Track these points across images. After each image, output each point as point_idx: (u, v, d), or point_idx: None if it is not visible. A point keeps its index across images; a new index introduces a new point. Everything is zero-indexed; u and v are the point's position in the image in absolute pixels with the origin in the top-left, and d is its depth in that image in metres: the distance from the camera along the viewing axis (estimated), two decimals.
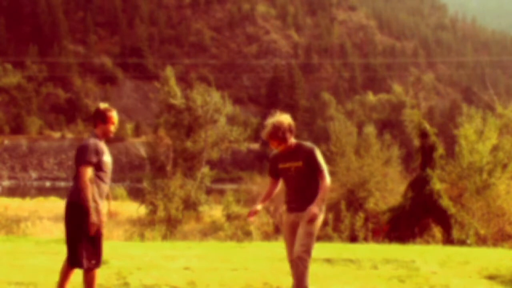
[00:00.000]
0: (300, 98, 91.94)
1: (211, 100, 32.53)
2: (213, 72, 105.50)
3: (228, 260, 7.25)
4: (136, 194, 37.27)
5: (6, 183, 65.49)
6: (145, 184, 28.91)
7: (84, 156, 4.75)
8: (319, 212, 4.76)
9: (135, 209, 25.18)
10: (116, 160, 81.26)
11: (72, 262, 4.81)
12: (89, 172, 4.74)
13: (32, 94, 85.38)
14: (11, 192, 50.39)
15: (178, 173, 27.84)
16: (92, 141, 4.85)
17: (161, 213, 20.52)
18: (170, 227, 18.94)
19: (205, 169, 31.32)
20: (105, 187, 4.93)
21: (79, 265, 4.78)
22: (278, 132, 4.83)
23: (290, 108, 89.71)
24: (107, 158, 4.92)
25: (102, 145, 4.91)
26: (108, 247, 8.55)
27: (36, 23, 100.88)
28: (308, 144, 4.98)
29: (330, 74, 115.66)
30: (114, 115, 5.00)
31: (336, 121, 38.25)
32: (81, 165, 4.73)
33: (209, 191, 31.89)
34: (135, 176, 69.02)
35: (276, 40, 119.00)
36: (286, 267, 6.34)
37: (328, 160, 27.22)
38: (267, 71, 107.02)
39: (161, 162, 33.71)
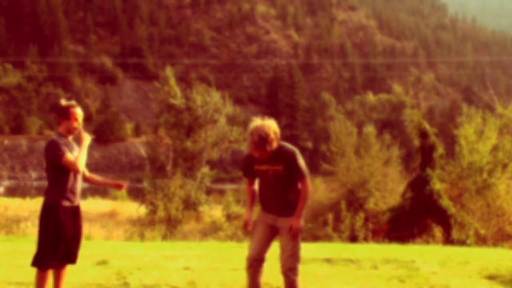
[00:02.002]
0: (300, 98, 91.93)
1: (211, 100, 32.53)
2: (213, 72, 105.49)
3: (228, 260, 7.25)
4: (136, 194, 37.24)
5: (6, 183, 65.47)
6: (145, 184, 28.91)
7: (56, 152, 4.73)
8: (302, 224, 4.55)
9: (135, 209, 25.18)
10: (116, 160, 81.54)
11: (35, 261, 4.75)
12: (71, 157, 4.73)
13: (32, 94, 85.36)
14: (11, 192, 50.37)
15: (178, 173, 27.84)
16: (57, 137, 4.82)
17: (161, 213, 20.51)
18: (170, 227, 18.94)
19: (205, 169, 31.32)
20: (77, 184, 4.89)
21: (41, 265, 4.73)
22: (265, 145, 4.44)
23: (290, 108, 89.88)
24: (75, 154, 4.86)
25: (68, 142, 4.87)
26: (108, 247, 8.57)
27: (36, 23, 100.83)
28: (289, 147, 4.64)
29: (330, 74, 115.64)
30: (77, 111, 4.90)
31: (336, 121, 38.22)
32: (61, 159, 4.72)
33: (209, 191, 31.90)
34: (135, 176, 68.99)
35: (276, 40, 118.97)
36: None
37: (328, 160, 27.28)
38: (267, 71, 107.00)
39: (161, 162, 33.70)
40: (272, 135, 4.47)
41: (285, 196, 4.63)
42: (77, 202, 4.91)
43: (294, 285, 4.60)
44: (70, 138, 4.94)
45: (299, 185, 4.66)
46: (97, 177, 5.21)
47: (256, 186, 4.83)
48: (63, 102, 4.94)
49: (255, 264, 4.66)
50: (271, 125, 4.52)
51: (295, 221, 4.54)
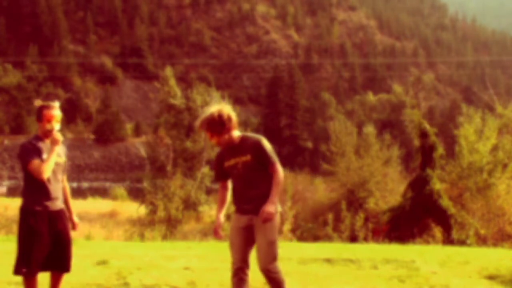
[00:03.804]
0: (300, 98, 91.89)
1: (211, 100, 32.51)
2: (213, 72, 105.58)
3: (228, 260, 7.21)
4: (136, 194, 37.26)
5: (6, 183, 65.48)
6: (145, 184, 28.91)
7: (24, 156, 4.55)
8: (274, 210, 4.29)
9: (135, 209, 25.16)
10: (116, 160, 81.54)
11: (14, 267, 4.65)
12: (36, 163, 4.51)
13: (32, 94, 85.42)
14: (11, 192, 50.36)
15: (178, 173, 27.84)
16: (28, 140, 4.65)
17: (161, 213, 20.47)
18: (170, 227, 18.91)
19: (205, 169, 31.33)
20: (53, 188, 4.65)
21: (16, 271, 4.63)
22: (208, 124, 4.38)
23: (290, 108, 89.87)
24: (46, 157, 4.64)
25: (43, 145, 4.63)
26: (108, 247, 8.57)
27: (36, 23, 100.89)
28: (253, 135, 4.51)
29: (330, 74, 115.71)
30: (49, 112, 4.61)
31: (336, 121, 38.25)
32: (27, 164, 4.54)
33: (209, 191, 31.90)
34: (135, 176, 69.02)
35: (276, 40, 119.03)
36: (285, 267, 6.34)
37: (328, 160, 27.29)
38: (267, 71, 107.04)
39: (161, 162, 33.71)
40: (215, 114, 4.38)
41: (258, 190, 4.41)
42: (55, 207, 4.66)
43: (278, 281, 4.41)
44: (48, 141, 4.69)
45: (272, 176, 4.44)
46: (69, 199, 4.92)
47: (230, 190, 4.70)
48: (38, 102, 4.70)
49: (240, 272, 4.48)
50: (221, 108, 4.45)
51: (267, 206, 4.28)
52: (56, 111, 4.66)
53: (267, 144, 4.43)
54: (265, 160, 4.40)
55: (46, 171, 4.53)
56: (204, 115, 4.43)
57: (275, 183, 4.38)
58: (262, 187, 4.42)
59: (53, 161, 4.59)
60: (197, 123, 4.48)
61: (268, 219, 4.29)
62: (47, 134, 4.64)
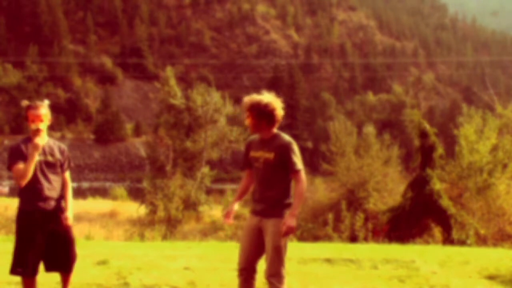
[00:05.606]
0: (300, 98, 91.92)
1: (211, 100, 32.52)
2: (213, 72, 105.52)
3: (228, 260, 7.24)
4: (136, 194, 37.28)
5: (7, 182, 65.48)
6: (145, 184, 28.93)
7: (8, 160, 4.58)
8: (296, 224, 4.19)
9: (135, 209, 25.17)
10: (116, 160, 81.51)
11: (10, 267, 4.65)
12: (16, 168, 4.51)
13: (32, 94, 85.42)
14: (11, 192, 50.39)
15: (178, 173, 27.84)
16: (15, 143, 4.66)
17: (161, 213, 20.51)
18: (170, 227, 18.94)
19: (205, 169, 31.33)
20: (44, 188, 4.60)
21: (12, 271, 4.63)
22: (249, 104, 4.41)
23: (290, 108, 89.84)
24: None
25: (27, 148, 4.58)
26: (108, 247, 8.57)
27: (36, 23, 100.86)
28: (286, 136, 4.40)
29: (330, 74, 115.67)
30: (33, 112, 4.56)
31: (336, 121, 38.21)
32: (9, 168, 4.57)
33: (209, 191, 31.90)
34: (135, 176, 69.03)
35: (276, 40, 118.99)
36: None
37: (328, 160, 27.27)
38: (267, 71, 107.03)
39: (161, 162, 33.69)
40: (263, 102, 4.40)
41: (272, 192, 4.33)
42: (49, 206, 4.62)
43: None
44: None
45: (293, 183, 4.35)
46: (67, 195, 4.81)
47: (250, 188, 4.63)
48: (24, 103, 4.66)
49: (244, 273, 4.39)
50: (273, 100, 4.47)
51: (289, 219, 4.18)
52: (40, 110, 4.61)
53: (295, 149, 4.34)
54: (288, 165, 4.31)
55: (23, 177, 4.52)
56: (255, 96, 4.46)
57: (298, 194, 4.27)
58: (277, 189, 4.35)
59: (31, 167, 4.54)
60: (245, 99, 4.50)
61: (288, 233, 4.23)
62: (34, 134, 4.59)
